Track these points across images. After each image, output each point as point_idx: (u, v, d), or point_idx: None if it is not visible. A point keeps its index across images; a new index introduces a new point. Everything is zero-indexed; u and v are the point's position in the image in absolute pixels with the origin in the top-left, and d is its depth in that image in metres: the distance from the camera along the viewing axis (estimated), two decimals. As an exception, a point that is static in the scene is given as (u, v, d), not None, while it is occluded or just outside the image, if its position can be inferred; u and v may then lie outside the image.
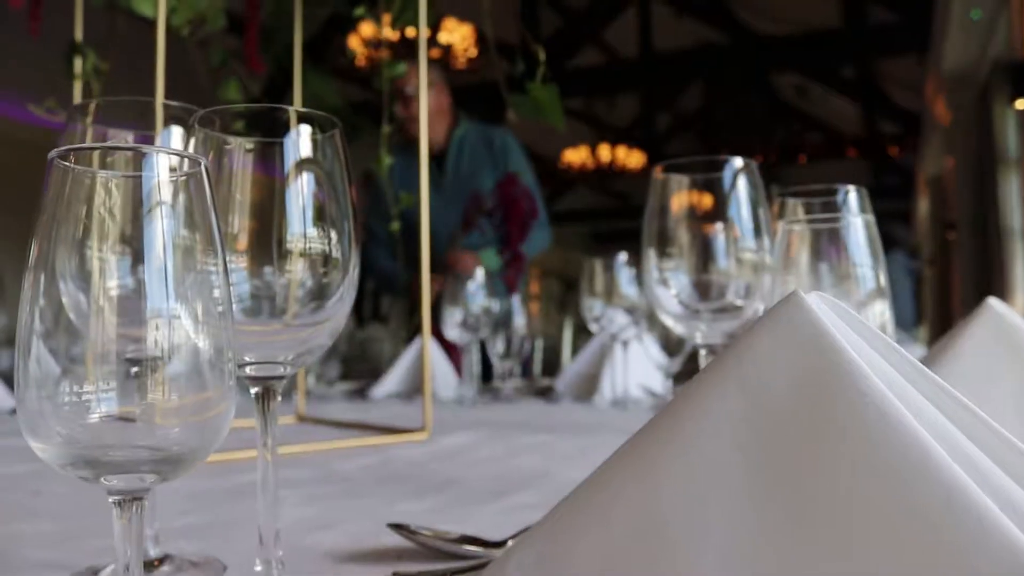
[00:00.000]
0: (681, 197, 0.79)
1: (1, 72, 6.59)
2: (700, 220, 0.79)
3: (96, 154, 0.42)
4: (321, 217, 0.53)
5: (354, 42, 6.41)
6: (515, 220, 2.52)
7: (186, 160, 0.41)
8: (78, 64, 1.30)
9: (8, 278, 1.79)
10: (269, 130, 0.52)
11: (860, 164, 13.13)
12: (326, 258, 0.53)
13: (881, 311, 0.78)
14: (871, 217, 0.70)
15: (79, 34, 1.34)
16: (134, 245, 0.41)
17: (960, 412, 0.41)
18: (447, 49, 6.60)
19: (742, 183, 0.78)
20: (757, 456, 0.38)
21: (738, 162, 0.78)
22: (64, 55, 1.33)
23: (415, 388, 1.93)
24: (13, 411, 1.66)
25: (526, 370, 2.46)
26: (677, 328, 0.79)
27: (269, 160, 0.52)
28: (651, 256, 0.80)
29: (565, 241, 15.66)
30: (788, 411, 0.38)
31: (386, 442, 1.15)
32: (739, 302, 0.81)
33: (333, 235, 0.54)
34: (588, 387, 1.79)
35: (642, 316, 1.59)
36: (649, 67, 9.12)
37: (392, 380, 1.95)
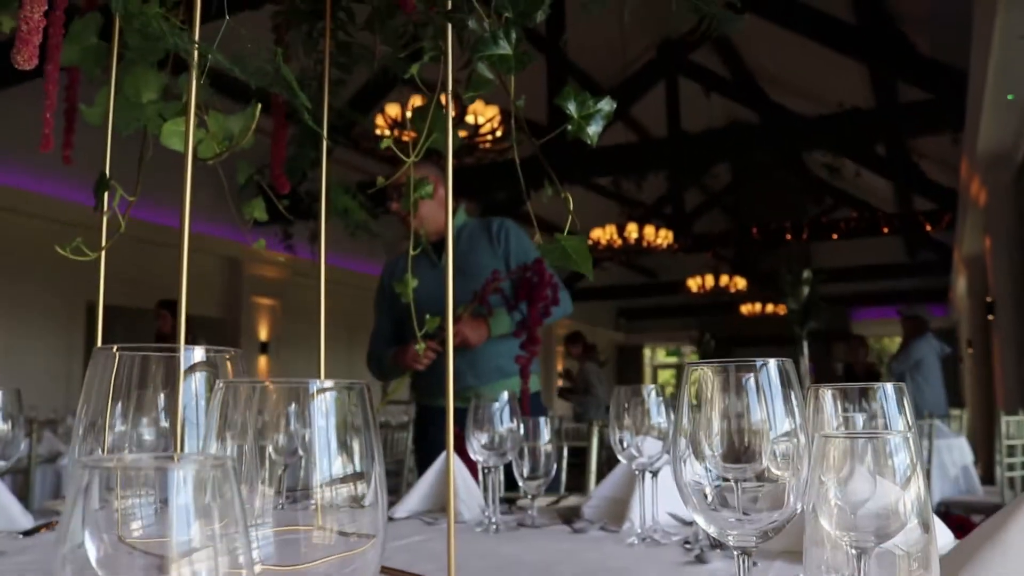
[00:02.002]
0: (713, 392, 0.75)
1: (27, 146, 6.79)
2: (732, 414, 0.75)
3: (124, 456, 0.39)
4: (349, 468, 0.51)
5: (380, 122, 6.54)
6: (536, 305, 2.53)
7: (211, 460, 0.39)
8: (106, 199, 1.30)
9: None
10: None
11: (894, 240, 13.04)
12: (354, 515, 0.51)
13: (917, 487, 0.74)
14: (913, 433, 0.66)
15: (107, 167, 1.35)
16: (160, 532, 0.39)
17: None
18: (475, 130, 6.69)
19: (775, 379, 0.74)
20: None
21: (771, 363, 0.75)
22: (94, 186, 1.34)
23: (439, 507, 1.88)
24: (26, 532, 1.62)
25: (552, 484, 2.40)
26: (710, 528, 0.75)
27: (298, 412, 0.50)
28: (681, 447, 0.76)
29: (592, 317, 15.63)
30: None
31: (404, 600, 1.10)
32: (774, 475, 0.77)
33: (360, 486, 0.52)
34: (617, 512, 1.73)
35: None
36: (677, 144, 9.19)
37: (415, 498, 1.90)
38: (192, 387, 0.62)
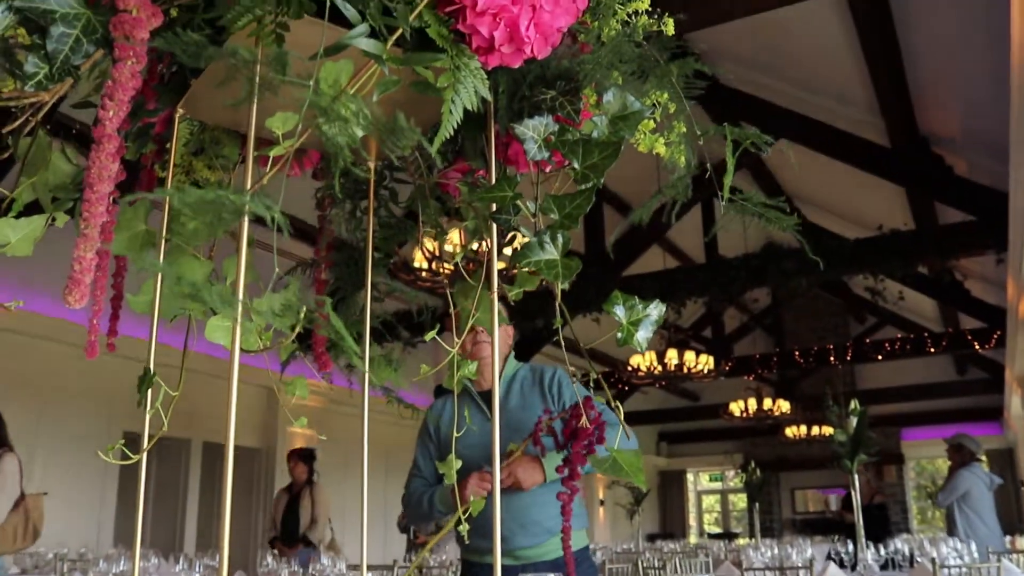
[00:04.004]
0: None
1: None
2: None
3: None
4: None
5: (418, 256, 6.61)
6: (580, 441, 2.42)
7: None
8: (148, 396, 1.29)
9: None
10: None
11: (942, 358, 12.75)
12: None
13: None
14: None
15: (151, 362, 1.34)
16: None
17: None
18: (513, 261, 6.71)
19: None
20: None
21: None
22: (137, 382, 1.33)
23: None
24: None
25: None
26: None
27: None
28: None
29: (635, 441, 15.36)
30: None
31: None
32: None
33: None
34: None
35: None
36: (715, 270, 9.16)
37: None
38: None
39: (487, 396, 2.72)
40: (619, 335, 1.11)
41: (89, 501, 8.01)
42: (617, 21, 1.31)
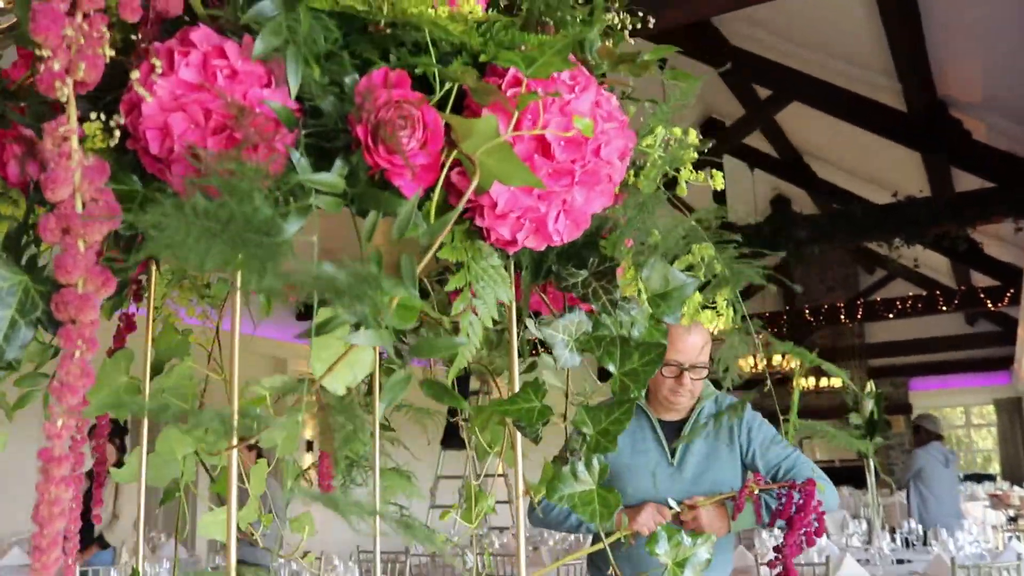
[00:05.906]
0: None
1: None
2: None
3: None
4: None
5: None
6: (796, 531, 2.11)
7: None
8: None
9: None
10: None
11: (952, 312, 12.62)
12: None
13: None
14: None
15: (140, 562, 1.21)
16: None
17: None
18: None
19: None
20: None
21: None
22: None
23: None
24: None
25: None
26: None
27: None
28: None
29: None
30: None
31: None
32: None
33: None
34: None
35: None
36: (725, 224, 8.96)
37: None
38: None
39: (670, 429, 2.37)
40: (665, 581, 0.97)
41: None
42: (658, 172, 1.14)
